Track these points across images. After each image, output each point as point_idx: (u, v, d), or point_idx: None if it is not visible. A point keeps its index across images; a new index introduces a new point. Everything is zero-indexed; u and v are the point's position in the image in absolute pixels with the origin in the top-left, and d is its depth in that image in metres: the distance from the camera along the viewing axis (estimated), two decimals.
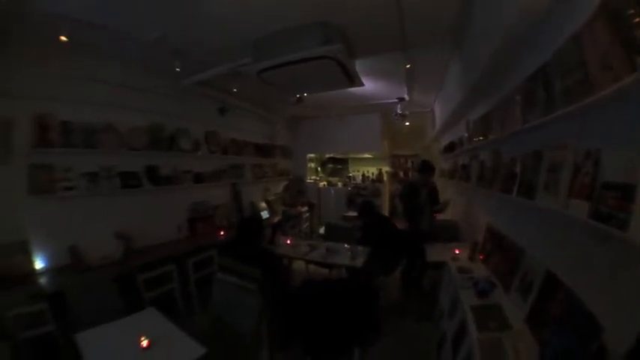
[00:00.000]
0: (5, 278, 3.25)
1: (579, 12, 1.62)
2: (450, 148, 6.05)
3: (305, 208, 9.22)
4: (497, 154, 3.33)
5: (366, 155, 11.53)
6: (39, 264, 3.72)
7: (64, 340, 3.13)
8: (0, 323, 2.91)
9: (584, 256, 1.85)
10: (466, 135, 4.73)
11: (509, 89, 2.76)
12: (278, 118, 9.42)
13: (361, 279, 4.31)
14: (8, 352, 2.88)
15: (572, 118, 1.78)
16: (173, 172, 5.53)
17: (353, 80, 4.61)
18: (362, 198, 8.92)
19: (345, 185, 10.91)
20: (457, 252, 4.07)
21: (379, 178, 11.01)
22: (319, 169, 12.00)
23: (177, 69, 4.34)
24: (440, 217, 5.77)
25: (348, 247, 5.10)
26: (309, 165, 11.23)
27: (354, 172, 11.92)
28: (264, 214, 7.71)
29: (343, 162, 12.17)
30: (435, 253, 4.47)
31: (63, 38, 3.44)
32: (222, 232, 5.92)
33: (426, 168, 5.48)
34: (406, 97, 6.57)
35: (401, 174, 12.51)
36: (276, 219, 7.88)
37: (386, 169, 11.56)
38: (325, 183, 11.22)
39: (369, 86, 5.83)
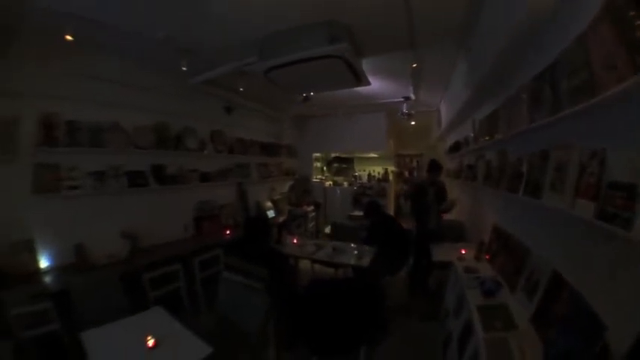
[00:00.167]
0: (10, 277, 3.26)
1: (585, 12, 1.62)
2: (456, 147, 6.04)
3: (311, 208, 9.21)
4: (503, 153, 3.33)
5: (372, 154, 11.51)
6: (44, 263, 3.73)
7: (69, 339, 3.13)
8: (3, 322, 2.91)
9: (589, 256, 1.84)
10: (472, 134, 4.72)
11: (516, 88, 2.75)
12: (284, 117, 9.41)
13: (367, 278, 4.31)
14: (11, 351, 2.86)
15: (578, 118, 1.78)
16: (179, 171, 5.55)
17: (360, 79, 4.60)
18: (368, 198, 8.94)
19: (350, 185, 10.88)
20: (463, 252, 4.07)
21: (385, 177, 10.99)
22: (325, 168, 11.99)
23: (184, 68, 4.33)
24: (446, 216, 5.77)
25: (355, 246, 5.11)
26: (314, 164, 11.22)
27: (359, 171, 11.90)
28: (270, 214, 7.73)
29: (349, 161, 12.12)
30: (441, 252, 4.46)
31: (68, 37, 3.45)
32: (228, 232, 5.94)
33: (434, 167, 5.51)
34: (412, 96, 6.54)
35: (406, 173, 12.48)
36: (281, 218, 7.89)
37: (392, 168, 11.55)
38: (331, 182, 11.20)
39: (376, 85, 5.82)
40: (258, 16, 3.50)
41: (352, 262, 4.60)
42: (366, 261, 4.49)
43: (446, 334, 3.49)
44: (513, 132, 2.78)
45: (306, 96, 6.30)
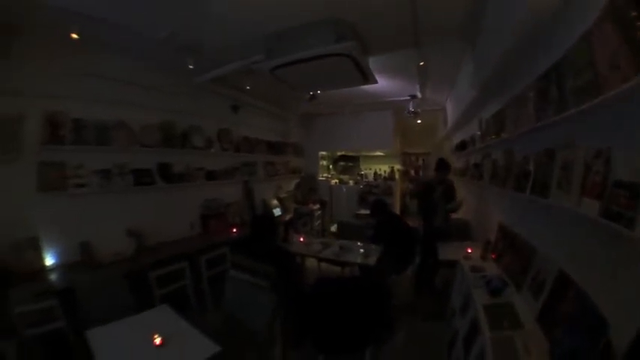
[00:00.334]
0: (14, 275, 3.26)
1: (591, 11, 1.61)
2: (462, 146, 6.02)
3: (317, 206, 9.20)
4: (509, 152, 3.32)
5: (378, 153, 11.50)
6: (49, 261, 3.74)
7: (75, 337, 3.15)
8: (6, 320, 2.91)
9: (594, 255, 1.85)
10: (479, 133, 4.70)
11: (523, 87, 2.75)
12: (291, 115, 9.41)
13: (374, 277, 4.31)
14: (14, 349, 2.86)
15: (583, 117, 1.78)
16: (186, 170, 5.57)
17: (367, 77, 4.58)
18: (374, 196, 8.93)
19: (356, 183, 10.88)
20: (469, 251, 4.07)
21: (391, 176, 10.98)
22: (331, 166, 12.00)
23: (191, 66, 4.34)
24: (452, 216, 5.75)
25: (361, 245, 5.12)
26: (321, 163, 11.21)
27: (365, 170, 11.90)
28: (276, 212, 7.74)
29: (354, 160, 12.14)
30: (447, 251, 4.46)
31: (74, 36, 3.46)
32: (234, 230, 5.95)
33: (442, 166, 5.49)
34: (419, 94, 6.53)
35: (412, 172, 12.46)
36: (287, 217, 7.89)
37: (397, 167, 11.53)
38: (337, 181, 11.19)
39: (382, 83, 5.81)
40: (261, 14, 3.49)
41: (359, 260, 4.61)
42: (372, 260, 4.50)
43: (452, 333, 3.49)
44: (520, 131, 2.78)
45: (312, 94, 6.30)
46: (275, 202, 8.15)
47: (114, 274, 3.81)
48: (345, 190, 10.57)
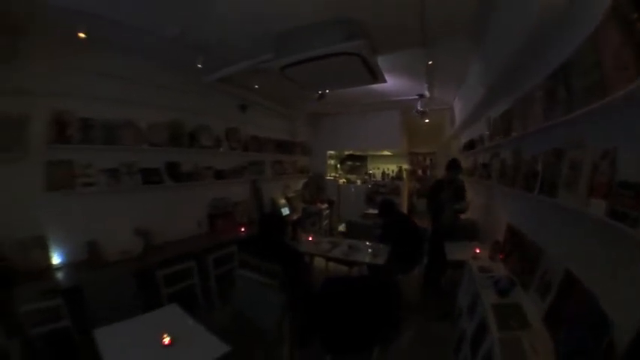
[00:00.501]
0: (20, 274, 3.25)
1: (597, 10, 1.61)
2: (470, 145, 5.99)
3: (325, 205, 9.20)
4: (518, 152, 3.30)
5: (385, 152, 11.46)
6: (56, 259, 3.75)
7: (81, 336, 3.17)
8: (12, 319, 2.91)
9: (601, 255, 1.84)
10: (487, 132, 4.68)
11: (531, 87, 2.74)
12: (298, 114, 9.42)
13: (381, 276, 4.31)
14: (19, 348, 2.83)
15: (591, 117, 1.77)
16: (194, 169, 5.59)
17: (376, 77, 4.59)
18: (382, 196, 8.93)
19: (364, 182, 10.87)
20: (477, 251, 4.06)
21: (399, 175, 10.97)
22: (338, 166, 11.99)
23: (199, 65, 4.36)
24: (461, 216, 5.74)
25: (370, 244, 5.12)
26: (328, 162, 11.21)
27: (373, 169, 11.90)
28: (284, 211, 7.75)
29: (362, 159, 12.13)
30: (455, 252, 4.45)
31: (81, 35, 3.48)
32: (242, 229, 5.97)
33: (453, 166, 5.48)
34: (427, 93, 6.51)
35: (419, 172, 12.43)
36: (295, 216, 7.91)
37: (405, 166, 11.51)
38: (345, 180, 11.19)
39: (390, 82, 5.78)
40: (271, 13, 3.49)
41: (367, 260, 4.61)
42: (381, 259, 4.50)
43: (459, 333, 3.47)
44: (529, 130, 2.76)
45: (321, 93, 6.29)
46: (283, 201, 8.15)
47: (121, 272, 3.82)
48: (353, 189, 10.58)
